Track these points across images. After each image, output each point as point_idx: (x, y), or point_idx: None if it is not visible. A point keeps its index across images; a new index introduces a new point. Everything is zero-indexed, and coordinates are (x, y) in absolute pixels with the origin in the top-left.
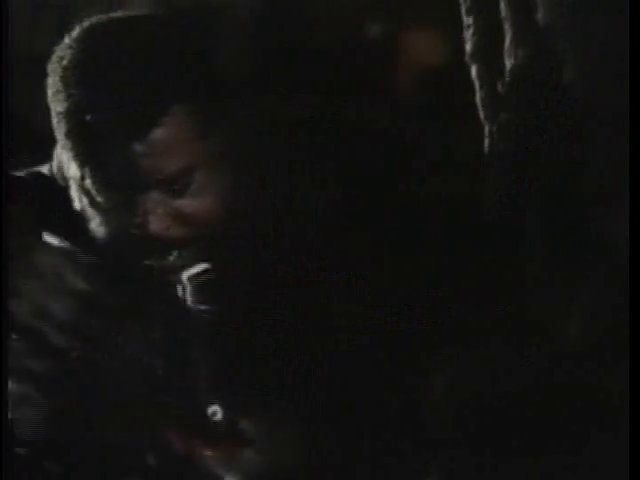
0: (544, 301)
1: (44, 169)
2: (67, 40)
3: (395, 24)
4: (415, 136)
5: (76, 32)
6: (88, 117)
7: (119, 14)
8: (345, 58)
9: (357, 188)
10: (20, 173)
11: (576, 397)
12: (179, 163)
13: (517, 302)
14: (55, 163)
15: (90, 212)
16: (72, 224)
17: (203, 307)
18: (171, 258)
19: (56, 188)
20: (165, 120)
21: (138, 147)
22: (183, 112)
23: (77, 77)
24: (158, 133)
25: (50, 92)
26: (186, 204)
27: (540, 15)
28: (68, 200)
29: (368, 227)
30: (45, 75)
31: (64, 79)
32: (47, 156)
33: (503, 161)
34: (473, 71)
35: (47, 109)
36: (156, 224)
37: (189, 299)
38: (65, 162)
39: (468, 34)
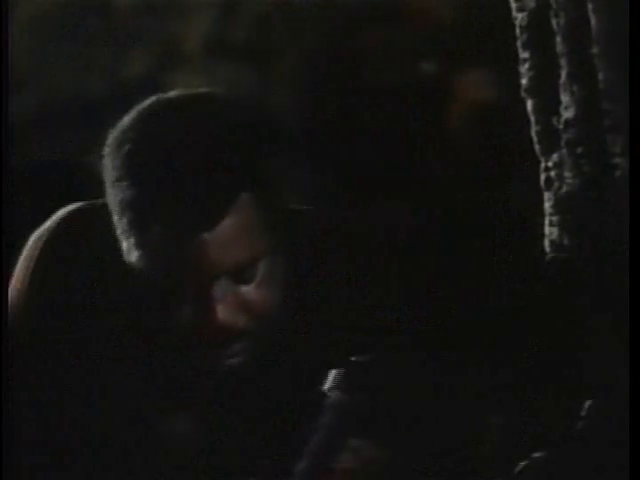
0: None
1: None
2: (126, 122)
3: (451, 60)
4: (471, 172)
5: (135, 115)
6: (152, 208)
7: (182, 92)
8: (400, 97)
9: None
10: None
11: None
12: (246, 253)
13: None
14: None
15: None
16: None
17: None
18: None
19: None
20: (232, 209)
21: (207, 237)
22: (249, 201)
23: (140, 165)
24: (226, 223)
25: (109, 179)
26: (252, 292)
27: (595, 50)
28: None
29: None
30: None
31: (125, 167)
32: None
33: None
34: (529, 105)
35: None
36: (225, 313)
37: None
38: (126, 249)
39: (524, 68)
